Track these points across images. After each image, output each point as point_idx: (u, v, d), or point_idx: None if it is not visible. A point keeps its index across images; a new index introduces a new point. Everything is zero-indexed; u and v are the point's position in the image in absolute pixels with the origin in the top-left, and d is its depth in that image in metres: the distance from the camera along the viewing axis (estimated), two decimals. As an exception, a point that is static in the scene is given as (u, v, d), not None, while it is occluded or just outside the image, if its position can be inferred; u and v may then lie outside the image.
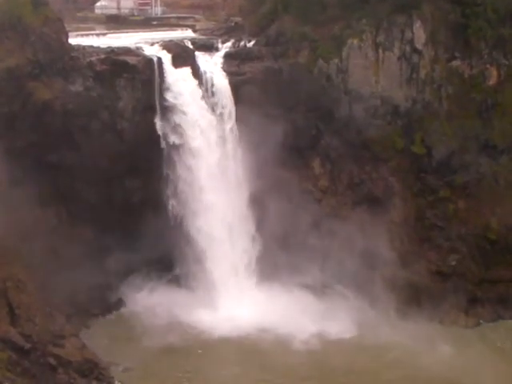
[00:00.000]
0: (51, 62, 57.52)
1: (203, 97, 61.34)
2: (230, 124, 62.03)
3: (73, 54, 58.83)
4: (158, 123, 60.49)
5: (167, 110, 60.57)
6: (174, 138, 60.81)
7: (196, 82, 61.25)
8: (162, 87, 60.42)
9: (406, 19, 62.98)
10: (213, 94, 61.65)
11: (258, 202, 61.62)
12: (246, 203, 61.96)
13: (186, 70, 61.08)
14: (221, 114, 61.92)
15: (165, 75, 60.39)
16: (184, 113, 60.63)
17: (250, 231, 62.22)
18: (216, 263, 61.14)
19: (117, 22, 75.92)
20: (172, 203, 61.21)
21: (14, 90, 55.79)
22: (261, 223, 61.85)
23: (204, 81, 61.91)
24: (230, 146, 62.15)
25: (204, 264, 61.19)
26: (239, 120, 61.50)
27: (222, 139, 61.96)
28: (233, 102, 61.66)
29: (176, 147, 60.88)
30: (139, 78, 59.89)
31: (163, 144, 60.79)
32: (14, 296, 50.51)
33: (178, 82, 60.66)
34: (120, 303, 60.82)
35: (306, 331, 56.29)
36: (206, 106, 61.46)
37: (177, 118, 60.57)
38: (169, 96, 60.40)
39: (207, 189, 60.96)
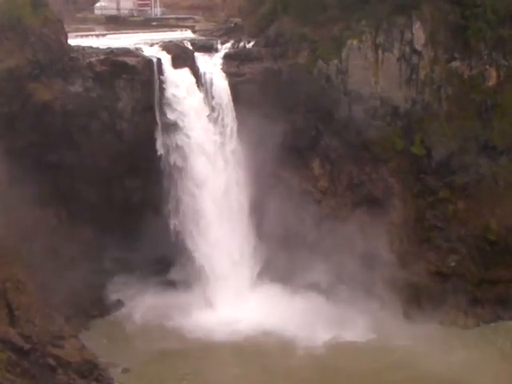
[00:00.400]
0: (51, 62, 57.54)
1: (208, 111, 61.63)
2: (231, 133, 62.21)
3: (72, 55, 58.84)
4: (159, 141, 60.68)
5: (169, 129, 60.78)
6: (175, 157, 60.96)
7: (202, 95, 61.39)
8: (163, 104, 60.44)
9: (405, 20, 62.87)
10: (212, 94, 61.67)
11: (257, 204, 61.61)
12: (246, 211, 62.06)
13: (190, 80, 61.03)
14: (223, 126, 62.11)
15: (164, 84, 60.30)
16: (188, 136, 60.86)
17: (251, 242, 62.12)
18: (216, 275, 61.09)
19: (116, 22, 75.86)
20: (174, 223, 61.17)
21: (13, 91, 55.85)
22: (261, 226, 61.82)
23: (203, 81, 61.85)
24: (230, 148, 62.30)
25: (204, 276, 61.20)
26: (238, 121, 61.44)
27: (223, 144, 62.16)
28: (232, 102, 61.54)
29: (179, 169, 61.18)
30: (139, 79, 59.91)
31: (163, 165, 60.99)
32: (13, 297, 50.50)
33: (184, 100, 60.64)
34: (119, 304, 60.76)
35: (307, 333, 56.24)
36: (212, 127, 61.69)
37: (179, 140, 60.82)
38: (172, 116, 60.57)
39: (209, 206, 61.20)
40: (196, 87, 61.17)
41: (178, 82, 60.57)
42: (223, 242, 61.22)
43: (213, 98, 61.67)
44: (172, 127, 60.52)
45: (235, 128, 61.83)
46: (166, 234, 60.52)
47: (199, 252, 60.97)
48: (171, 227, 60.96)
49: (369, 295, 59.19)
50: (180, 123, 60.45)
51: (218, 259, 61.05)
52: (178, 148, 60.66)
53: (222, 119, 61.84)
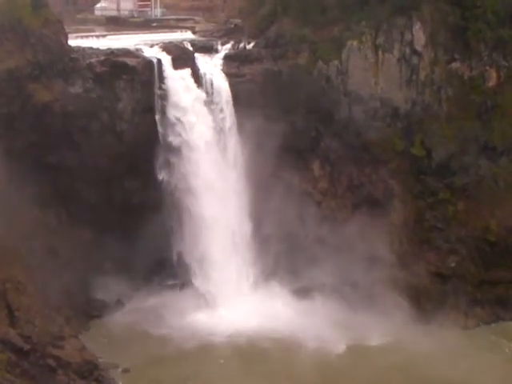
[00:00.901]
0: (51, 63, 57.55)
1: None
2: (231, 136, 62.42)
3: (72, 56, 58.86)
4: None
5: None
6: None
7: (211, 117, 61.69)
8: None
9: (405, 21, 62.90)
10: (212, 95, 61.74)
11: (257, 207, 61.57)
12: (247, 216, 62.04)
13: (196, 94, 61.33)
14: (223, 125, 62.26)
15: (164, 79, 60.52)
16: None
17: (251, 247, 62.08)
18: (216, 279, 61.06)
19: (116, 23, 75.85)
20: (178, 247, 61.45)
21: (13, 92, 55.85)
22: (261, 229, 61.80)
23: (204, 82, 61.89)
24: (231, 150, 62.44)
25: (204, 279, 61.28)
26: (238, 122, 61.45)
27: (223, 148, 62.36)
28: (231, 102, 61.65)
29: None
30: (139, 80, 59.98)
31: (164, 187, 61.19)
32: (13, 298, 50.54)
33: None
34: (119, 305, 60.66)
35: (305, 336, 56.12)
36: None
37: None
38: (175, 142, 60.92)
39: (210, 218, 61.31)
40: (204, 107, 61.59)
41: (184, 104, 60.79)
42: (224, 255, 61.33)
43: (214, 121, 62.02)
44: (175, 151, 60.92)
45: (235, 134, 62.02)
46: (166, 236, 60.61)
47: (199, 268, 61.18)
48: (172, 242, 61.16)
49: (367, 296, 59.12)
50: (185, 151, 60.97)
51: (218, 269, 61.16)
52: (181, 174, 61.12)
53: (224, 143, 62.13)
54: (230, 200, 61.50)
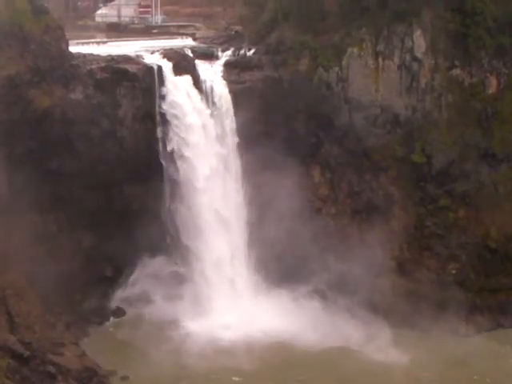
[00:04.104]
0: (51, 69, 57.51)
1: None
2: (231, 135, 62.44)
3: (73, 62, 58.86)
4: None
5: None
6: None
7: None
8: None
9: (405, 28, 63.07)
10: (213, 102, 61.82)
11: (257, 212, 61.63)
12: (247, 221, 62.19)
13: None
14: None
15: (164, 86, 60.65)
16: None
17: (250, 251, 62.18)
18: (217, 285, 61.15)
19: (117, 30, 76.21)
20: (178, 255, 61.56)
21: (14, 98, 55.65)
22: (260, 234, 61.76)
23: (204, 89, 61.98)
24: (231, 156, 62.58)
25: (205, 285, 61.31)
26: (239, 129, 61.51)
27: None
28: (232, 108, 61.73)
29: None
30: (139, 86, 60.03)
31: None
32: (13, 304, 50.49)
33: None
34: (119, 311, 60.59)
35: (304, 341, 56.15)
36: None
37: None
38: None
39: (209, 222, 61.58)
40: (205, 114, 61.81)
41: (184, 111, 60.94)
42: (225, 261, 61.62)
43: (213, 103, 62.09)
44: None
45: (236, 141, 62.07)
46: (166, 241, 60.66)
47: (201, 275, 61.32)
48: (173, 248, 61.36)
49: (368, 302, 59.10)
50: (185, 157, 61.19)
51: (219, 275, 61.28)
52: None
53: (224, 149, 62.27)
54: (230, 205, 61.53)
